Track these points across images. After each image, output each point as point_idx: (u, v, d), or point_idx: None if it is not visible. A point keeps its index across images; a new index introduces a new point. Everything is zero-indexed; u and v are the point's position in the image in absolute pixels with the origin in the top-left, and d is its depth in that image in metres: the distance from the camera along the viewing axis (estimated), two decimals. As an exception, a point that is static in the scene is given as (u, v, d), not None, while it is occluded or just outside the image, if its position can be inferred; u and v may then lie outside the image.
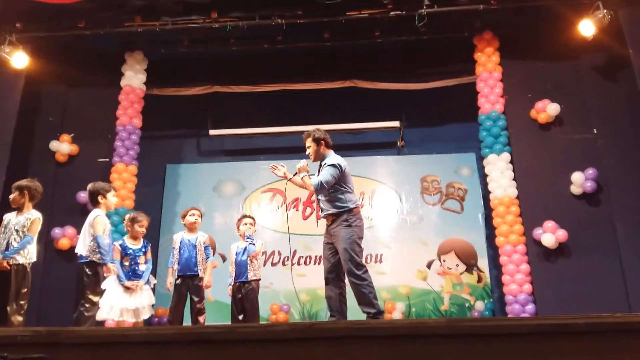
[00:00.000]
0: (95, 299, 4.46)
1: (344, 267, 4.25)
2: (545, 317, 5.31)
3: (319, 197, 4.47)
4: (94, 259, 4.48)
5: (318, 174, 4.45)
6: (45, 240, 6.24)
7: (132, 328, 4.25)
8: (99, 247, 4.45)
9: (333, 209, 4.35)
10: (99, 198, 4.65)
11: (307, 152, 4.59)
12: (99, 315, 4.70)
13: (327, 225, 4.46)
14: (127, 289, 4.83)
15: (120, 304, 4.79)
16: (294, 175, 4.51)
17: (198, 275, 5.04)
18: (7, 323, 4.18)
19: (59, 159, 6.88)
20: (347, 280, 4.34)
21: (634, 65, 5.86)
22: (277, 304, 6.98)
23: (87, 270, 4.46)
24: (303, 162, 4.48)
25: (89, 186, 4.76)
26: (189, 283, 5.03)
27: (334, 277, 4.35)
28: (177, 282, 5.05)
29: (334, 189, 4.36)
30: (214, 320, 6.37)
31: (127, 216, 5.28)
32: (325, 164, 4.44)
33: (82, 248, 4.52)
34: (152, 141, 7.61)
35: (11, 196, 4.53)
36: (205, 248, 5.16)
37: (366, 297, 4.17)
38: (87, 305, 4.41)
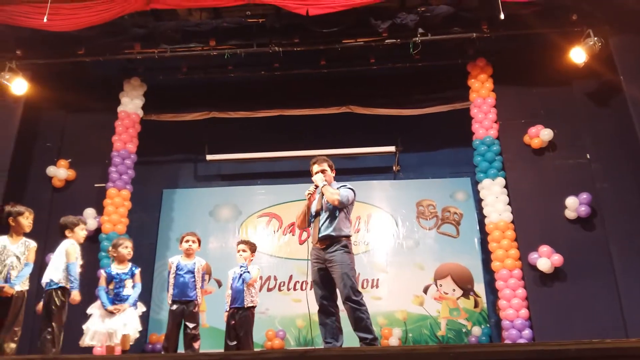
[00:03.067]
0: (59, 325, 4.41)
1: (342, 293, 4.21)
2: (537, 343, 5.31)
3: (324, 217, 4.37)
4: (66, 285, 4.50)
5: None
6: (40, 265, 6.19)
7: (126, 356, 4.19)
8: (70, 274, 4.49)
9: (334, 232, 4.30)
10: (67, 232, 4.72)
11: (320, 176, 4.43)
12: (82, 342, 4.73)
13: (318, 249, 4.37)
14: (110, 313, 4.79)
15: (103, 329, 4.74)
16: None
17: (193, 301, 5.01)
18: (-1, 351, 4.15)
19: (55, 184, 6.88)
20: (341, 306, 4.30)
21: (625, 91, 5.98)
22: (273, 330, 6.92)
23: (56, 296, 4.46)
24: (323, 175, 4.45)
25: (61, 220, 4.83)
26: (184, 309, 4.99)
27: (328, 303, 4.31)
28: (172, 307, 5.01)
29: (343, 212, 4.36)
30: (209, 346, 6.31)
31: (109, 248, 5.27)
32: (338, 188, 4.42)
33: (54, 274, 4.53)
34: (149, 166, 7.65)
35: (27, 222, 4.53)
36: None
37: (363, 322, 4.14)
38: (51, 330, 4.37)
